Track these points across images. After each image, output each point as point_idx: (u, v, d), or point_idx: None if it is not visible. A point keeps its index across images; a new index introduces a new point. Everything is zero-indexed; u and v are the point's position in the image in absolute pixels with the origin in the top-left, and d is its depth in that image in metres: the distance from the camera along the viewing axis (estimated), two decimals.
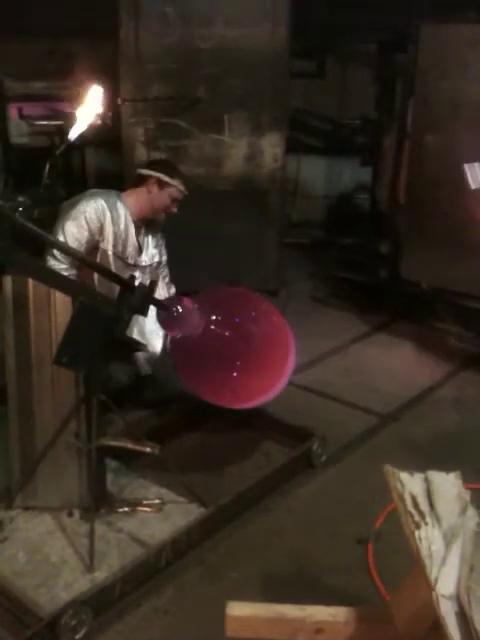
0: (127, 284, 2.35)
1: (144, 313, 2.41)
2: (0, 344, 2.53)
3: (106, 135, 5.68)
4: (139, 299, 2.35)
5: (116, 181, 4.90)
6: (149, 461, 2.87)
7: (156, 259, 3.50)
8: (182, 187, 3.35)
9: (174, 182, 3.31)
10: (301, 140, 6.20)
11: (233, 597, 2.09)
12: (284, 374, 2.98)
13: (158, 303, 2.44)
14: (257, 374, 2.94)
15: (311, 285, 5.72)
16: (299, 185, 6.20)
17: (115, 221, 3.24)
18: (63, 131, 5.18)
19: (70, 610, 2.12)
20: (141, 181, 3.36)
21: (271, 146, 4.50)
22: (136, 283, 2.38)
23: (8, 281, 2.44)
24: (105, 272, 2.49)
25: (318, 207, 6.52)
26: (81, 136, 5.61)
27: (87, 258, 2.42)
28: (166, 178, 3.30)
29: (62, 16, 5.09)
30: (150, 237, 3.48)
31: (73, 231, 3.07)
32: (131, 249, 3.35)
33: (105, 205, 3.21)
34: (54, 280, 2.30)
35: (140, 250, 3.42)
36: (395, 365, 4.32)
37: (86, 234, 3.13)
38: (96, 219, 3.18)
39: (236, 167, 4.54)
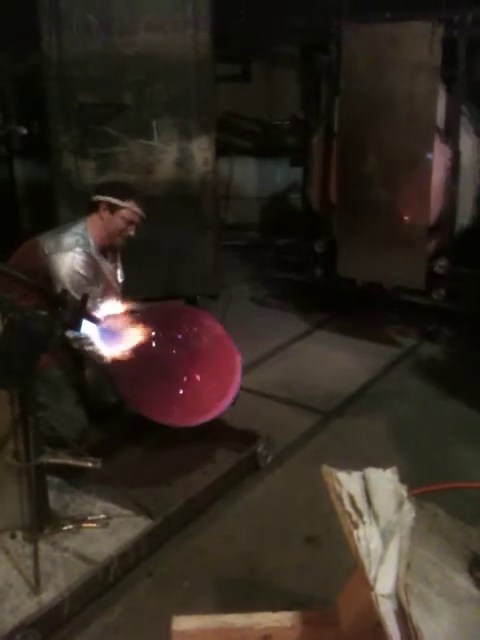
0: (58, 299, 2.30)
1: (77, 328, 2.37)
2: None
3: (34, 145, 5.62)
4: (71, 314, 2.31)
5: (45, 192, 4.83)
6: (93, 476, 2.82)
7: (122, 280, 3.43)
8: (136, 208, 3.18)
9: (125, 204, 3.16)
10: (232, 143, 6.23)
11: (185, 608, 2.09)
12: (230, 391, 2.99)
13: (91, 317, 2.40)
14: (203, 391, 2.94)
15: (250, 287, 5.76)
16: (232, 187, 6.22)
17: (87, 265, 3.15)
18: None
19: (18, 634, 2.07)
20: (94, 207, 3.21)
21: (201, 150, 4.49)
22: (67, 297, 2.33)
23: None
24: (31, 285, 2.41)
25: (252, 209, 6.56)
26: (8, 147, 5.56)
27: (8, 270, 2.34)
28: (116, 201, 3.16)
29: None
30: (117, 260, 3.41)
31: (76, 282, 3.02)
32: (110, 277, 3.29)
33: (82, 254, 3.12)
34: None
35: (114, 276, 3.36)
36: (335, 361, 4.38)
37: (85, 282, 3.08)
38: (86, 273, 3.12)
39: (167, 172, 4.51)
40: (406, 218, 4.30)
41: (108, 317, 2.54)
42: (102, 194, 3.21)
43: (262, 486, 3.07)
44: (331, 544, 2.66)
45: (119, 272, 3.43)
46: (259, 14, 5.25)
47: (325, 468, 1.58)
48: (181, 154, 4.47)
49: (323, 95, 4.67)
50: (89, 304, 2.42)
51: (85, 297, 2.35)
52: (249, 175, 6.55)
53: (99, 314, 2.47)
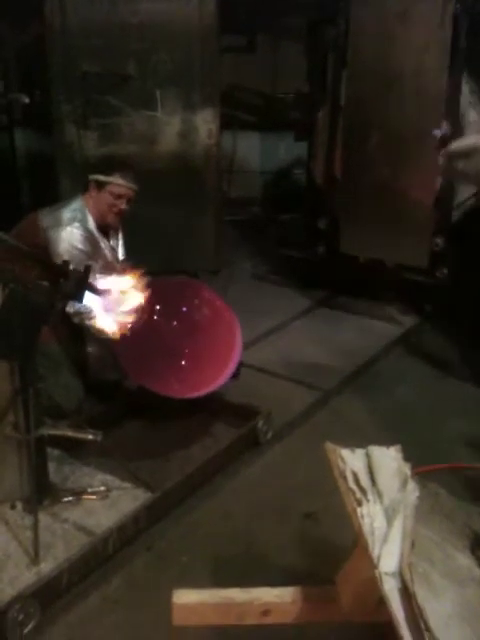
0: (60, 270, 2.27)
1: (79, 299, 2.34)
2: None
3: (35, 114, 5.54)
4: (73, 285, 2.28)
5: (47, 162, 4.77)
6: (93, 448, 2.82)
7: (123, 257, 3.42)
8: (121, 181, 3.16)
9: (110, 179, 3.15)
10: (236, 116, 6.15)
11: (182, 582, 2.10)
12: (231, 361, 2.98)
13: (94, 288, 2.37)
14: (204, 362, 2.93)
15: (251, 263, 5.72)
16: (235, 161, 6.15)
17: (85, 240, 3.14)
18: None
19: (17, 604, 2.08)
20: (86, 186, 3.23)
21: (205, 122, 4.44)
22: (69, 268, 2.30)
23: None
24: (33, 256, 2.39)
25: (255, 183, 6.50)
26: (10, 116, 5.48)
27: (10, 241, 2.31)
28: (101, 177, 3.16)
29: None
30: (118, 236, 3.40)
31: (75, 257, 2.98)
32: (109, 254, 3.27)
33: (80, 228, 3.12)
34: None
35: (114, 252, 3.35)
36: (336, 339, 4.37)
37: (84, 257, 3.06)
38: (84, 247, 3.12)
39: (170, 144, 4.46)
40: (411, 195, 4.25)
41: (109, 289, 2.51)
42: (91, 172, 3.23)
43: (261, 462, 3.07)
44: (329, 520, 2.67)
45: (120, 250, 3.43)
46: None
47: (328, 445, 1.57)
48: (184, 126, 4.42)
49: (329, 69, 4.60)
50: (90, 277, 2.39)
51: (87, 268, 2.32)
52: (252, 149, 6.48)
53: (100, 286, 2.45)
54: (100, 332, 2.96)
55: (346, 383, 3.80)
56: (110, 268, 3.22)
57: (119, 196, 3.18)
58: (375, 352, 4.17)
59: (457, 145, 2.91)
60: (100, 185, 3.17)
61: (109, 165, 3.26)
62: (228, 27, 4.52)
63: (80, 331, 3.11)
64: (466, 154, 2.83)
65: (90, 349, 3.28)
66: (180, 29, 4.21)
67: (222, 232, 5.00)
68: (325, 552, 2.50)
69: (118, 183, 3.17)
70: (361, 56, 4.34)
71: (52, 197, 4.54)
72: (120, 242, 3.45)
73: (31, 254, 2.28)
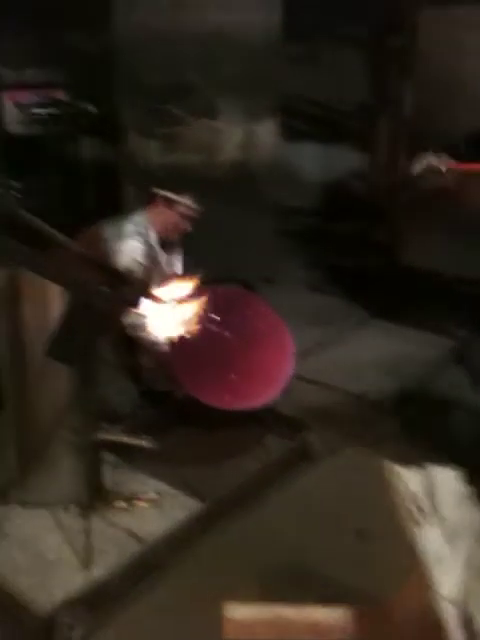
0: (123, 278, 2.31)
1: (139, 307, 2.37)
2: None
3: (99, 123, 5.64)
4: (134, 293, 2.31)
5: (110, 171, 4.85)
6: (146, 455, 2.85)
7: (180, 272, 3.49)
8: (190, 203, 3.30)
9: (181, 199, 3.28)
10: (295, 126, 6.12)
11: (231, 594, 2.08)
12: (282, 377, 2.96)
13: (153, 297, 2.39)
14: (255, 375, 2.93)
15: (306, 272, 5.68)
16: (292, 171, 6.12)
17: (147, 254, 3.22)
18: (57, 119, 5.12)
19: (67, 609, 2.10)
20: (152, 200, 3.33)
21: (265, 132, 4.45)
22: (131, 277, 2.34)
23: (1, 274, 2.40)
24: (97, 263, 2.44)
25: (312, 193, 6.45)
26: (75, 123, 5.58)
27: (76, 248, 2.36)
28: (173, 196, 3.27)
29: (55, 3, 5.00)
30: (176, 251, 3.49)
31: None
32: (167, 267, 3.36)
33: (141, 242, 3.19)
34: (48, 272, 2.26)
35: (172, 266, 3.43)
36: (391, 352, 4.28)
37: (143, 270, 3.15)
38: (144, 260, 3.19)
39: (230, 154, 4.48)
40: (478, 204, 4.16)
41: (168, 299, 2.53)
42: (160, 188, 3.32)
43: (313, 475, 3.02)
44: (384, 539, 2.60)
45: (178, 264, 3.49)
46: None
47: (386, 463, 1.53)
48: (245, 136, 4.43)
49: (393, 79, 4.54)
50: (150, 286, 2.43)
51: (149, 277, 2.35)
52: (310, 159, 6.43)
53: (160, 295, 2.47)
54: (153, 342, 3.03)
55: (401, 397, 3.72)
56: (167, 281, 3.27)
57: (185, 217, 3.30)
58: (432, 367, 4.07)
59: None
60: (170, 203, 3.27)
61: (179, 184, 3.40)
62: (290, 36, 4.52)
63: (134, 340, 3.16)
64: None
65: (143, 358, 3.32)
66: (244, 39, 4.23)
67: (278, 241, 4.99)
68: (378, 570, 2.45)
69: (188, 205, 3.29)
70: (428, 66, 4.28)
71: (114, 205, 4.63)
72: (178, 257, 3.50)
73: (95, 261, 2.32)
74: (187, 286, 2.48)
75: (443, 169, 3.42)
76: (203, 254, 4.37)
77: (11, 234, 2.05)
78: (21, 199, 2.00)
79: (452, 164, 3.48)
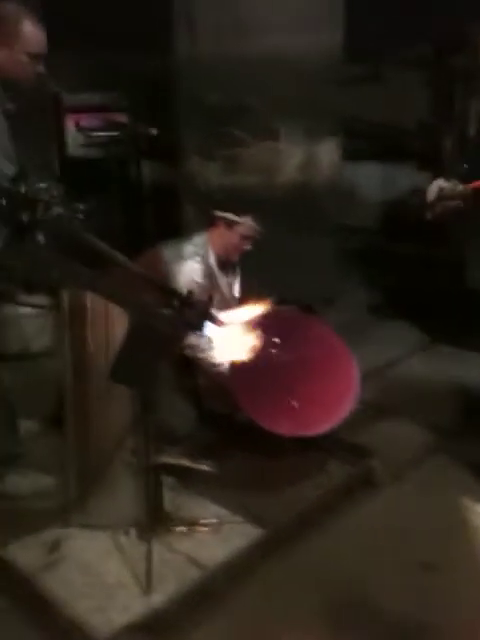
0: (184, 299, 2.29)
1: (200, 329, 2.35)
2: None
3: (160, 146, 5.70)
4: (197, 315, 2.29)
5: (169, 193, 4.89)
6: (205, 478, 2.82)
7: (238, 295, 3.49)
8: (251, 223, 3.30)
9: (241, 220, 3.28)
10: (355, 146, 6.08)
11: (291, 624, 2.02)
12: (345, 404, 2.90)
13: (215, 320, 2.37)
14: (318, 402, 2.88)
15: (367, 294, 5.59)
16: (353, 191, 6.07)
17: (205, 274, 3.25)
18: (119, 142, 5.20)
19: (126, 634, 2.07)
20: (213, 222, 3.35)
21: (326, 153, 4.41)
22: (194, 299, 2.32)
23: (65, 294, 2.43)
24: (159, 285, 2.44)
25: (373, 213, 6.38)
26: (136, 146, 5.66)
27: (137, 269, 2.37)
28: (234, 217, 3.27)
29: (116, 27, 5.10)
30: (235, 273, 3.50)
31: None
32: (226, 290, 3.38)
33: (200, 263, 3.21)
34: (111, 294, 2.26)
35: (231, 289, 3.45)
36: (456, 378, 4.15)
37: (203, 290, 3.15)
38: (203, 282, 3.22)
39: (291, 175, 4.45)
40: None
41: (230, 321, 2.51)
42: (220, 209, 3.32)
43: (376, 503, 2.94)
44: (451, 573, 2.52)
45: (236, 287, 3.48)
46: (391, 13, 5.10)
47: (466, 502, 1.46)
48: (306, 157, 4.41)
49: (457, 98, 4.46)
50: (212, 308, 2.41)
51: (211, 299, 2.34)
52: (371, 179, 6.37)
53: (223, 318, 2.45)
54: (213, 364, 3.02)
55: (467, 425, 3.60)
56: (227, 303, 3.26)
57: (246, 237, 3.30)
58: None
59: None
60: (230, 224, 3.27)
61: (241, 206, 3.36)
62: (352, 57, 4.50)
63: (193, 362, 3.15)
64: None
65: (202, 380, 3.31)
66: (305, 59, 4.20)
67: (339, 262, 4.93)
68: (444, 606, 2.35)
69: (248, 225, 3.29)
70: None
71: (174, 226, 4.66)
72: (237, 279, 3.49)
73: (157, 282, 2.31)
74: (251, 309, 2.45)
75: (458, 190, 3.50)
76: (262, 275, 4.38)
77: (75, 256, 2.07)
78: (84, 221, 2.02)
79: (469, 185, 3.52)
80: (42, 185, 1.74)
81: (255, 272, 4.28)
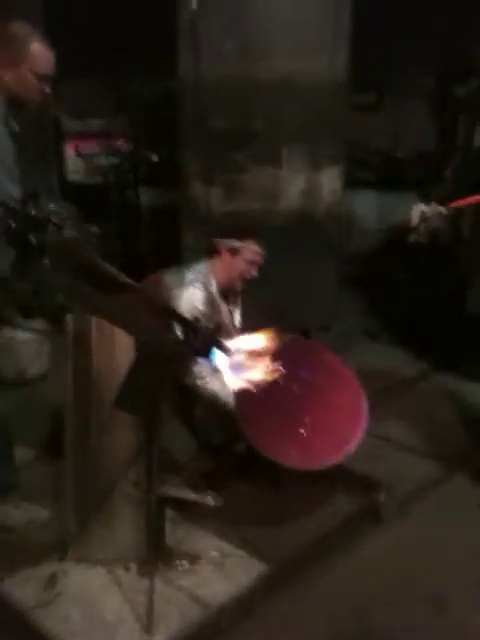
0: (191, 326, 2.23)
1: (207, 356, 2.29)
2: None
3: (158, 172, 5.70)
4: (202, 342, 2.23)
5: (167, 219, 4.85)
6: (207, 510, 2.73)
7: (239, 326, 3.43)
8: (255, 248, 3.22)
9: (245, 244, 3.21)
10: (353, 174, 6.09)
11: None
12: (356, 434, 2.84)
13: (222, 346, 2.31)
14: (326, 433, 2.81)
15: (365, 321, 5.54)
16: (351, 219, 6.07)
17: (207, 301, 3.17)
18: (118, 169, 5.18)
19: None
20: (214, 250, 3.27)
21: (329, 180, 4.39)
22: (200, 325, 2.26)
23: (70, 319, 2.36)
24: (164, 309, 2.38)
25: (371, 241, 6.37)
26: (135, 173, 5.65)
27: (145, 293, 2.31)
28: (237, 243, 3.20)
29: (119, 52, 5.12)
30: (236, 304, 3.43)
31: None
32: (226, 319, 3.31)
33: (202, 290, 3.15)
34: (119, 319, 2.20)
35: (232, 317, 3.38)
36: (460, 406, 4.09)
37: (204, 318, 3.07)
38: (205, 309, 3.13)
39: (293, 202, 4.42)
40: None
41: (237, 348, 2.45)
42: (222, 237, 3.25)
43: (383, 538, 2.86)
44: (461, 608, 2.44)
45: (237, 317, 3.42)
46: (393, 40, 5.14)
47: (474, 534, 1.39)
48: (308, 184, 4.37)
49: (461, 127, 4.47)
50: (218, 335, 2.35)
51: (218, 326, 2.28)
52: (369, 208, 6.37)
53: (230, 345, 2.39)
54: (213, 392, 2.95)
55: (474, 454, 3.53)
56: (228, 332, 3.20)
57: (252, 262, 3.22)
58: None
59: None
60: (234, 251, 3.20)
61: (243, 232, 3.30)
62: (356, 84, 4.50)
63: (192, 390, 3.08)
64: None
65: (198, 409, 3.24)
66: (310, 86, 4.18)
67: (336, 289, 4.89)
68: None
69: (253, 250, 3.21)
70: None
71: (173, 252, 4.62)
72: (238, 308, 3.44)
73: (164, 307, 2.26)
74: (257, 337, 2.39)
75: (440, 212, 3.65)
76: (261, 301, 4.34)
77: (83, 280, 2.01)
78: (96, 245, 1.97)
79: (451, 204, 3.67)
80: (53, 206, 1.69)
81: (253, 297, 4.24)
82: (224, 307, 3.32)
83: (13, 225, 1.67)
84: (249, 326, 3.48)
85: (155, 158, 5.00)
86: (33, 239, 1.69)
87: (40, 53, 2.52)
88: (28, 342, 3.94)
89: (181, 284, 3.13)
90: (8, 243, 1.72)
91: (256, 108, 4.25)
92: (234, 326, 3.38)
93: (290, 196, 4.40)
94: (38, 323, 3.84)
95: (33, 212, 1.67)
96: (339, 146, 4.37)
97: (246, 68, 4.16)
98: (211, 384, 3.04)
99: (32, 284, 1.97)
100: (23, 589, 2.38)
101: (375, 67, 5.35)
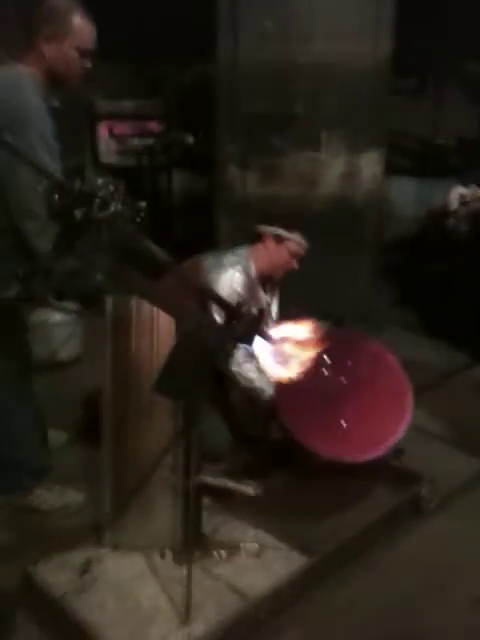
0: (234, 311, 2.15)
1: (249, 342, 2.21)
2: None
3: (192, 155, 5.62)
4: (245, 328, 2.15)
5: (201, 203, 4.78)
6: (245, 500, 2.67)
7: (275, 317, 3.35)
8: (300, 239, 3.18)
9: (291, 235, 3.16)
10: (392, 160, 5.96)
11: None
12: (401, 426, 2.75)
13: (264, 334, 2.23)
14: (369, 425, 2.73)
15: (401, 311, 5.43)
16: (391, 206, 5.94)
17: (246, 286, 3.10)
18: (152, 150, 5.12)
19: None
20: (258, 238, 3.21)
21: (369, 165, 4.28)
22: (243, 311, 2.18)
23: (109, 302, 2.30)
24: (208, 294, 2.31)
25: (409, 229, 6.24)
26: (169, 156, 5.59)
27: (189, 278, 2.24)
28: (283, 232, 3.15)
29: (157, 34, 5.04)
30: (274, 294, 3.36)
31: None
32: (265, 307, 3.22)
33: (242, 273, 3.08)
34: (162, 301, 2.13)
35: (269, 308, 3.31)
36: None
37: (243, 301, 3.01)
38: (244, 292, 3.06)
39: (331, 186, 4.31)
40: None
41: (281, 337, 2.37)
42: (268, 225, 3.19)
43: (423, 533, 2.77)
44: None
45: (274, 307, 3.35)
46: (436, 25, 4.99)
47: None
48: (348, 168, 4.26)
49: None
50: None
51: (261, 311, 2.19)
52: (407, 195, 6.23)
53: (273, 334, 2.31)
54: (249, 383, 2.88)
55: None
56: (265, 321, 3.12)
57: (295, 254, 3.17)
58: None
59: None
60: (279, 240, 3.14)
61: (290, 222, 3.24)
62: (399, 69, 4.37)
63: (228, 378, 3.01)
64: None
65: (233, 397, 3.17)
66: (352, 69, 4.08)
67: (375, 278, 4.78)
68: None
69: (298, 242, 3.16)
70: None
71: (207, 237, 4.54)
72: (276, 299, 3.37)
73: (207, 291, 2.19)
74: (301, 327, 2.31)
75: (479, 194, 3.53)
76: (298, 288, 4.25)
77: (126, 260, 1.94)
78: (142, 222, 1.90)
79: None
80: (100, 181, 1.62)
81: (288, 285, 4.15)
82: (262, 295, 3.25)
83: (56, 199, 1.60)
84: (285, 316, 3.42)
85: (190, 140, 4.92)
86: (78, 214, 1.62)
87: (82, 27, 2.45)
88: (61, 324, 3.91)
89: (220, 266, 3.06)
90: (53, 218, 1.65)
91: (295, 91, 4.14)
92: (271, 317, 3.31)
93: (328, 181, 4.29)
94: (71, 305, 3.80)
95: (79, 186, 1.59)
96: (380, 130, 4.26)
97: (285, 50, 4.06)
98: (249, 372, 2.98)
99: (72, 263, 1.90)
100: (57, 575, 2.33)
101: (417, 52, 5.21)
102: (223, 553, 2.43)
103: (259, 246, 3.18)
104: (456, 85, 5.77)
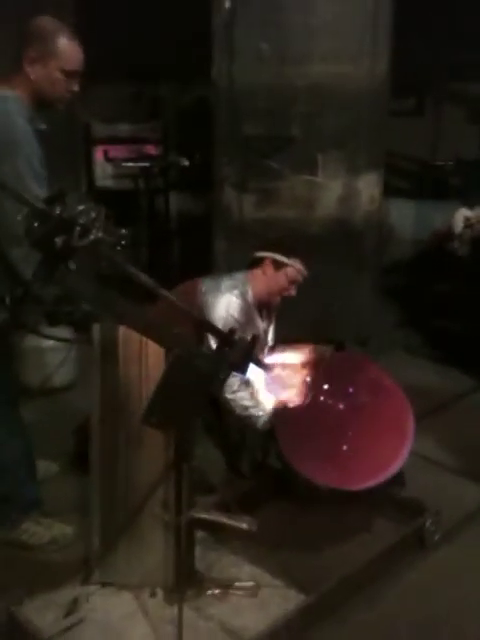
0: (226, 338, 2.07)
1: (243, 371, 2.13)
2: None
3: (189, 177, 5.58)
4: (239, 355, 2.07)
5: (198, 225, 4.72)
6: (239, 534, 2.54)
7: (271, 342, 3.31)
8: (299, 266, 3.14)
9: (290, 261, 3.12)
10: (390, 182, 5.91)
11: None
12: (401, 454, 2.66)
13: (259, 361, 2.15)
14: (370, 453, 2.64)
15: (403, 334, 5.34)
16: (390, 228, 5.88)
17: (243, 311, 3.06)
18: (148, 173, 5.07)
19: None
20: (256, 263, 3.18)
21: (368, 187, 4.21)
22: (235, 338, 2.10)
23: (97, 329, 2.23)
24: (199, 321, 2.23)
25: (408, 251, 6.18)
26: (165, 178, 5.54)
27: (181, 305, 2.16)
28: (282, 258, 3.11)
29: (149, 57, 5.02)
30: (271, 320, 3.32)
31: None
32: (261, 334, 3.19)
33: (239, 298, 3.05)
34: (149, 328, 2.05)
35: (265, 335, 3.26)
36: None
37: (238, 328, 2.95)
38: (240, 317, 3.03)
39: (329, 209, 4.24)
40: None
41: (276, 364, 2.29)
42: (267, 250, 3.16)
43: (428, 567, 2.66)
44: None
45: (270, 334, 3.30)
46: (437, 46, 4.98)
47: None
48: (345, 191, 4.19)
49: None
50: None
51: (254, 338, 2.11)
52: (405, 217, 6.18)
53: (268, 361, 2.23)
54: (244, 411, 2.80)
55: None
56: (260, 349, 3.05)
57: (293, 281, 3.13)
58: None
59: None
60: (278, 266, 3.11)
61: (289, 248, 3.21)
62: (396, 90, 4.34)
63: (222, 406, 2.94)
64: None
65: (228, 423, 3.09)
66: (349, 91, 4.01)
67: (374, 300, 4.70)
68: None
69: (297, 268, 3.12)
70: None
71: (204, 259, 4.48)
72: (272, 325, 3.32)
73: (197, 318, 2.11)
74: (297, 352, 2.24)
75: None
76: (296, 312, 4.17)
77: (111, 286, 1.87)
78: (125, 249, 1.84)
79: None
80: (80, 207, 1.55)
81: (287, 309, 4.07)
82: (259, 321, 3.19)
83: (36, 226, 1.53)
84: (283, 340, 3.35)
85: (186, 163, 4.87)
86: (58, 241, 1.55)
87: (68, 49, 2.40)
88: (54, 350, 3.82)
89: (218, 290, 3.03)
90: (32, 246, 1.58)
91: (292, 113, 4.07)
92: (267, 344, 3.25)
93: (326, 203, 4.22)
94: (63, 331, 3.73)
95: (59, 213, 1.52)
96: (378, 151, 4.20)
97: (282, 72, 4.00)
98: (244, 399, 2.90)
99: (57, 290, 1.82)
100: (43, 615, 2.22)
101: (415, 72, 5.18)
102: (217, 591, 2.32)
103: (257, 271, 3.14)
104: (455, 105, 5.73)
